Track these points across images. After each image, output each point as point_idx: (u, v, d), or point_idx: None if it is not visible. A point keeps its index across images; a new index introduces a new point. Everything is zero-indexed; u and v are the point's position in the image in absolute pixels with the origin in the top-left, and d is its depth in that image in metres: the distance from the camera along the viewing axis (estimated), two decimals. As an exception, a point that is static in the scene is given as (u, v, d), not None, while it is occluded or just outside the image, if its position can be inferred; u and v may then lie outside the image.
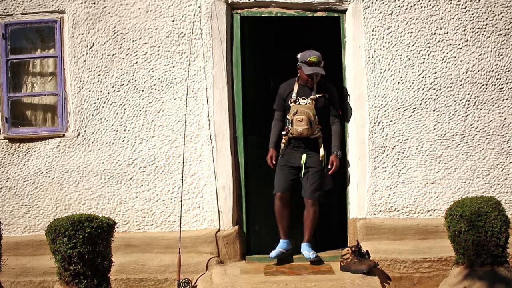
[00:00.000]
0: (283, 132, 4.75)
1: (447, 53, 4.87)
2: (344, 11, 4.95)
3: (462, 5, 4.87)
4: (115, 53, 4.93)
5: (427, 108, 4.86)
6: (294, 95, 4.76)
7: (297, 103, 4.73)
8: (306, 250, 4.72)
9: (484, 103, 4.88)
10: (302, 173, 4.73)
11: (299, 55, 4.75)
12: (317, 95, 4.71)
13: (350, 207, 4.93)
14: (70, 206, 4.94)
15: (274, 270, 4.58)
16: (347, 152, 4.96)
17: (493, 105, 4.88)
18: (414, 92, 4.86)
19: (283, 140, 4.78)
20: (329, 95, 4.76)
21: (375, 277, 4.35)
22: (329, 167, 4.75)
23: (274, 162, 4.82)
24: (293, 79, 4.85)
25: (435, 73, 4.87)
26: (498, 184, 4.87)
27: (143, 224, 4.93)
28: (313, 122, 4.66)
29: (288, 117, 4.72)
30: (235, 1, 4.93)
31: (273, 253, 4.68)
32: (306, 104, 4.71)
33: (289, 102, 4.76)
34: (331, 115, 4.80)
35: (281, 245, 4.75)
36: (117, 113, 4.93)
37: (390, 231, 4.79)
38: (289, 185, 4.77)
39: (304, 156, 4.73)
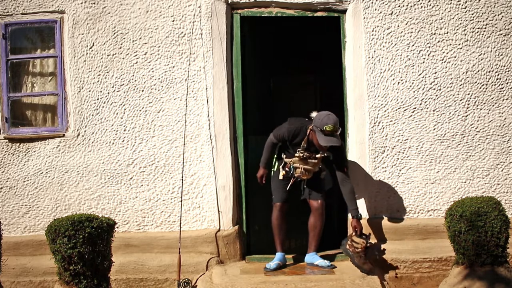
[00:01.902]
0: (286, 169, 4.61)
1: (447, 53, 4.87)
2: (344, 11, 4.95)
3: (462, 5, 4.87)
4: (115, 53, 4.93)
5: (427, 108, 4.87)
6: (301, 149, 4.55)
7: (303, 157, 4.55)
8: (320, 259, 4.63)
9: (484, 103, 4.88)
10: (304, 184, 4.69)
11: (314, 116, 4.49)
12: (325, 154, 4.54)
13: (350, 207, 4.93)
14: (70, 206, 4.94)
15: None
16: (347, 152, 4.96)
17: (493, 105, 4.88)
18: (414, 92, 4.86)
19: (283, 172, 4.65)
20: (339, 149, 4.52)
21: (375, 277, 4.35)
22: (353, 233, 4.50)
23: (264, 182, 4.74)
24: (303, 125, 4.56)
25: (435, 73, 4.87)
26: (498, 184, 4.87)
27: (143, 224, 4.93)
28: (314, 169, 4.61)
29: (290, 162, 4.60)
30: (235, 1, 4.93)
31: (272, 265, 4.57)
32: (313, 161, 4.57)
33: (293, 151, 4.60)
34: (337, 170, 4.56)
35: (279, 257, 4.66)
36: (117, 113, 4.94)
37: (390, 231, 4.79)
38: (287, 196, 4.69)
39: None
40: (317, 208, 4.65)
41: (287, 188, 4.65)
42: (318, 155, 4.56)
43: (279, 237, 4.70)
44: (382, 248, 4.49)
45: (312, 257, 4.66)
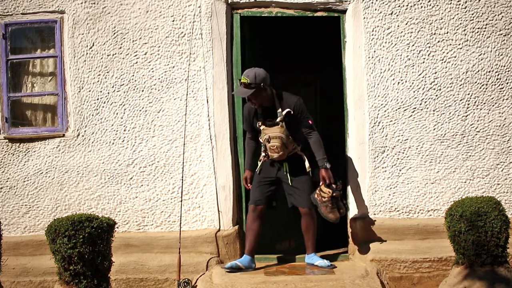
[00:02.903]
0: (262, 154, 4.57)
1: (447, 53, 4.87)
2: (344, 11, 4.95)
3: (462, 5, 4.87)
4: (115, 53, 4.93)
5: (427, 108, 4.87)
6: (259, 117, 4.50)
7: (266, 126, 4.46)
8: (319, 260, 4.57)
9: (484, 103, 4.88)
10: (289, 180, 4.51)
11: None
12: (284, 113, 4.40)
13: (350, 207, 4.93)
14: (70, 206, 4.94)
15: (274, 270, 4.58)
16: (347, 152, 4.96)
17: (493, 105, 4.88)
18: (414, 92, 4.86)
19: (261, 158, 4.60)
20: (293, 109, 4.43)
21: (375, 277, 4.35)
22: (322, 183, 4.45)
23: (249, 184, 4.66)
24: None
25: (435, 73, 4.87)
26: (498, 184, 4.87)
27: (143, 224, 4.93)
28: (288, 145, 4.44)
29: (261, 141, 4.54)
30: (235, 1, 4.93)
31: (228, 264, 4.51)
32: (276, 127, 4.42)
33: (257, 125, 4.52)
34: (303, 127, 4.49)
35: (241, 259, 4.55)
36: (117, 113, 4.94)
37: (390, 231, 4.79)
38: (264, 198, 4.57)
39: (286, 165, 4.53)
40: (305, 214, 4.56)
41: (262, 183, 4.56)
42: (278, 119, 4.42)
43: (248, 239, 4.59)
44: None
45: (311, 258, 4.64)
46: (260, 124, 4.51)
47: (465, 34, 4.87)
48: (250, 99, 4.41)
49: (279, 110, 4.44)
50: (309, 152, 4.54)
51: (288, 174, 4.52)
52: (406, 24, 4.87)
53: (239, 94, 4.49)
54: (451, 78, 4.87)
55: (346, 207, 4.67)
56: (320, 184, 4.47)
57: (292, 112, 4.42)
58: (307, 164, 4.52)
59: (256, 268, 4.58)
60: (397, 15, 4.87)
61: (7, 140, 5.00)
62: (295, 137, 4.50)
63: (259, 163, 4.62)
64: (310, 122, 4.50)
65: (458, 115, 4.87)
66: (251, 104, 4.48)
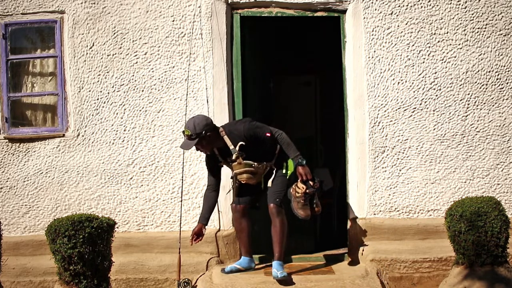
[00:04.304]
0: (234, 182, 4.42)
1: (447, 53, 4.87)
2: (344, 11, 4.95)
3: (462, 5, 4.87)
4: (115, 53, 4.93)
5: (427, 108, 4.87)
6: (220, 158, 4.36)
7: (229, 163, 4.33)
8: (275, 269, 4.26)
9: (484, 103, 4.88)
10: (262, 182, 4.39)
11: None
12: (237, 150, 4.23)
13: (350, 207, 4.93)
14: (70, 206, 4.94)
15: (274, 270, 4.58)
16: (347, 152, 4.96)
17: (493, 105, 4.88)
18: (414, 92, 4.86)
19: (233, 184, 4.47)
20: (244, 139, 4.23)
21: (375, 277, 4.35)
22: (299, 179, 4.29)
23: (195, 241, 4.39)
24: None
25: (435, 73, 4.87)
26: (498, 184, 4.87)
27: (143, 224, 4.93)
28: (256, 171, 4.31)
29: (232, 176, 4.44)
30: (235, 1, 4.93)
31: (227, 268, 4.43)
32: (237, 163, 4.28)
33: (220, 166, 4.42)
34: (265, 141, 4.27)
35: (240, 261, 4.49)
36: (117, 113, 4.94)
37: (390, 231, 4.79)
38: (245, 198, 4.46)
39: (262, 181, 4.41)
40: (270, 211, 4.34)
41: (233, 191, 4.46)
42: (233, 157, 4.27)
43: (242, 240, 4.54)
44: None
45: (273, 266, 4.33)
46: (221, 164, 4.40)
47: (465, 34, 4.87)
48: (198, 149, 4.28)
49: (231, 147, 4.25)
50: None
51: (267, 185, 4.38)
52: (406, 24, 4.87)
53: (184, 147, 4.24)
54: (451, 78, 4.87)
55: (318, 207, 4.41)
56: (298, 180, 4.34)
57: (244, 143, 4.23)
58: (284, 171, 4.38)
59: (256, 268, 4.58)
60: (397, 15, 4.87)
61: (7, 140, 5.01)
62: (262, 157, 4.33)
63: (232, 188, 4.50)
64: (268, 135, 4.25)
65: (458, 115, 4.87)
66: (202, 152, 4.36)
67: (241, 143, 4.22)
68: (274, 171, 4.38)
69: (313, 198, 4.33)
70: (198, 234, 4.39)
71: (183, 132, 4.22)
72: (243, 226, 4.50)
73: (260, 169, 4.34)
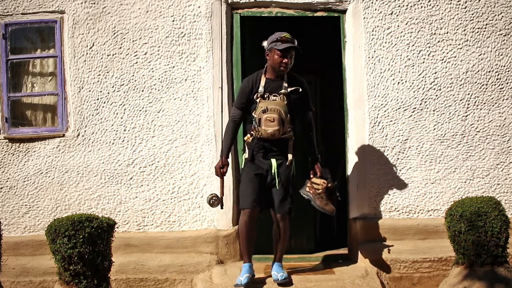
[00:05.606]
0: (251, 133, 4.15)
1: (447, 53, 4.87)
2: (344, 11, 4.95)
3: (462, 5, 4.87)
4: (115, 53, 4.93)
5: (427, 108, 4.87)
6: (261, 88, 4.13)
7: (265, 99, 4.11)
8: (275, 271, 4.23)
9: (484, 103, 4.88)
10: (277, 182, 4.15)
11: (265, 42, 4.21)
12: (289, 89, 4.11)
13: (350, 207, 4.93)
14: (70, 206, 4.94)
15: (274, 270, 4.58)
16: (347, 152, 4.96)
17: (493, 105, 4.88)
18: (414, 92, 4.87)
19: (248, 141, 4.19)
20: (302, 89, 4.17)
21: (375, 277, 4.35)
22: (312, 176, 4.25)
23: (223, 174, 4.23)
24: (259, 71, 4.26)
25: (435, 73, 4.87)
26: (498, 184, 4.87)
27: (143, 224, 4.93)
28: (285, 122, 4.07)
29: (254, 115, 4.11)
30: (235, 1, 4.93)
31: (243, 280, 4.10)
32: (277, 100, 4.09)
33: (255, 98, 4.13)
34: (304, 112, 4.22)
35: (248, 270, 4.19)
36: (117, 113, 4.94)
37: (390, 231, 4.79)
38: (259, 199, 4.16)
39: (274, 162, 4.16)
40: (281, 219, 4.22)
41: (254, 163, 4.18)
42: (281, 91, 4.11)
43: (246, 246, 4.24)
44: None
45: (273, 267, 4.32)
46: (258, 95, 4.13)
47: (465, 34, 4.87)
48: (285, 56, 4.10)
49: (285, 84, 4.14)
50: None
51: (276, 176, 4.15)
52: (406, 24, 4.87)
53: (292, 43, 4.10)
54: (451, 78, 4.87)
55: (339, 200, 4.35)
56: (310, 177, 4.31)
57: (300, 90, 4.15)
58: (290, 156, 4.19)
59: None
60: (397, 15, 4.87)
61: (7, 140, 5.00)
62: (292, 120, 4.16)
63: (246, 150, 4.24)
64: (312, 108, 4.28)
65: (458, 115, 4.87)
66: (284, 67, 4.12)
67: (297, 88, 4.15)
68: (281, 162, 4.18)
69: (334, 192, 4.24)
70: (222, 169, 4.22)
71: (281, 36, 4.11)
72: (253, 233, 4.23)
73: (286, 123, 4.08)
